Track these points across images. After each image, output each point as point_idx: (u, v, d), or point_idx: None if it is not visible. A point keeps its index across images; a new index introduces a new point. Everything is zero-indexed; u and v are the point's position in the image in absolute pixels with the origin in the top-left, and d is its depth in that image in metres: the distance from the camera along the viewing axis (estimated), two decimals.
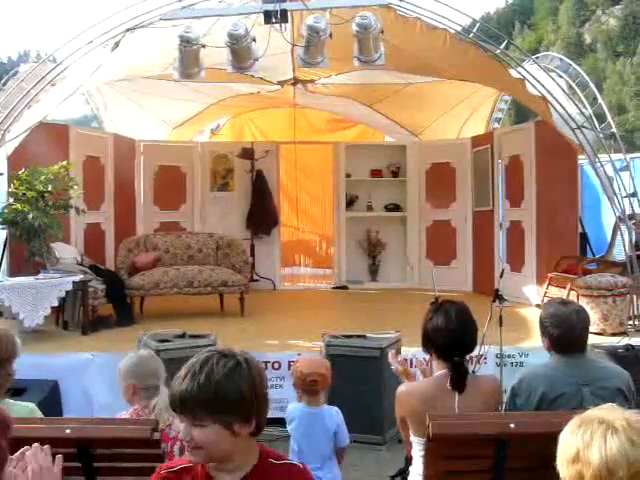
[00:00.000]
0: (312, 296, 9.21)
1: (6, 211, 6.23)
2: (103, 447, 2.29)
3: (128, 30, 5.98)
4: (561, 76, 7.18)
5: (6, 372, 2.55)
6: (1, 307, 6.26)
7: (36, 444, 1.63)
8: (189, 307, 7.36)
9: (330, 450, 3.22)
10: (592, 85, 7.08)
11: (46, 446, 1.64)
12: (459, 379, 2.64)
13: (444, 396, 2.64)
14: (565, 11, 72.19)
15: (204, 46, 5.52)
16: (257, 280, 9.18)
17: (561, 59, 7.74)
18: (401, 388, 2.80)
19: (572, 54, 50.82)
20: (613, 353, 4.83)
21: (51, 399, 4.88)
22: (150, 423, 2.34)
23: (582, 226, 8.23)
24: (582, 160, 7.64)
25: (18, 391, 4.43)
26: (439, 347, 2.72)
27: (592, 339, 2.93)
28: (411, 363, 4.93)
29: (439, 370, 2.74)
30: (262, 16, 5.41)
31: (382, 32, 5.40)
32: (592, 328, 4.85)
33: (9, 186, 6.45)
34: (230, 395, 1.55)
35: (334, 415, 3.28)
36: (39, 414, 2.72)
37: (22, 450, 1.61)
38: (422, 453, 2.57)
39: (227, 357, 1.60)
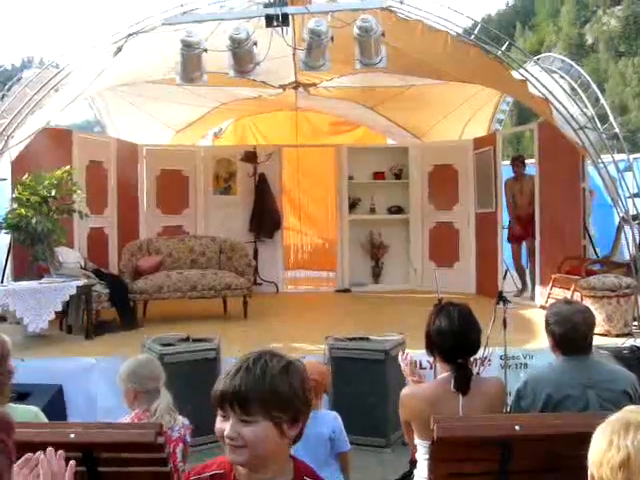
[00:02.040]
0: (315, 299, 9.21)
1: (10, 216, 6.25)
2: (107, 451, 2.29)
3: (130, 35, 6.00)
4: (563, 77, 7.17)
5: (6, 370, 2.57)
6: (5, 312, 6.28)
7: (50, 448, 1.63)
8: (192, 311, 7.36)
9: (326, 455, 3.18)
10: (594, 86, 7.07)
11: (60, 451, 1.64)
12: (463, 381, 2.63)
13: (448, 398, 2.63)
14: (566, 12, 72.13)
15: (206, 50, 5.53)
16: (260, 283, 9.19)
17: (563, 60, 7.73)
18: (405, 391, 2.79)
19: (574, 55, 50.81)
20: (618, 354, 4.81)
21: (55, 403, 4.88)
22: (154, 427, 2.34)
23: (585, 227, 8.21)
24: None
25: (22, 395, 4.43)
26: (442, 349, 2.72)
27: (596, 340, 2.93)
28: (420, 365, 4.96)
29: (443, 372, 2.74)
30: (264, 20, 5.42)
31: (383, 35, 5.40)
32: (596, 329, 4.83)
33: (13, 191, 6.47)
34: (284, 391, 1.53)
35: (331, 420, 3.24)
36: (43, 418, 2.73)
37: (36, 455, 1.61)
38: (427, 456, 2.57)
39: (278, 356, 1.60)
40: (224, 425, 1.51)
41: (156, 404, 3.00)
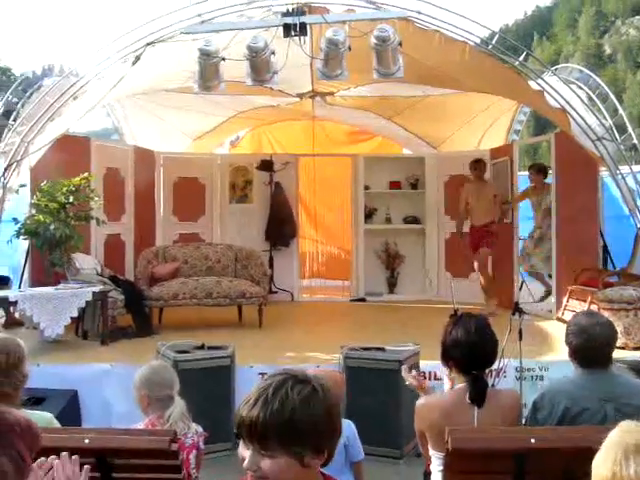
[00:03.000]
0: (330, 308, 9.19)
1: (28, 222, 6.31)
2: (122, 457, 2.30)
3: (149, 44, 6.06)
4: (581, 87, 7.14)
5: (21, 374, 2.59)
6: (22, 317, 6.33)
7: (65, 453, 1.63)
8: (207, 318, 7.37)
9: (341, 464, 3.17)
10: (612, 96, 7.02)
11: (75, 456, 1.64)
12: (478, 393, 2.61)
13: (463, 410, 2.61)
14: (584, 22, 71.87)
15: (224, 59, 5.58)
16: (275, 292, 9.19)
17: (581, 70, 7.70)
18: (420, 401, 2.77)
19: (592, 65, 50.56)
20: (635, 368, 4.75)
21: (70, 409, 4.91)
22: (168, 434, 2.35)
23: (602, 238, 8.14)
24: (603, 172, 7.57)
25: (38, 400, 4.47)
26: (458, 360, 2.70)
27: (613, 353, 2.89)
28: (435, 376, 4.93)
29: (458, 384, 2.72)
30: (282, 29, 5.45)
31: (401, 44, 5.41)
32: None
33: (32, 197, 6.54)
34: (305, 425, 1.42)
35: (344, 428, 3.23)
36: (57, 425, 2.74)
37: (50, 458, 1.62)
38: (441, 468, 2.55)
39: (302, 383, 1.47)
40: (245, 453, 1.46)
41: (169, 411, 3.00)
